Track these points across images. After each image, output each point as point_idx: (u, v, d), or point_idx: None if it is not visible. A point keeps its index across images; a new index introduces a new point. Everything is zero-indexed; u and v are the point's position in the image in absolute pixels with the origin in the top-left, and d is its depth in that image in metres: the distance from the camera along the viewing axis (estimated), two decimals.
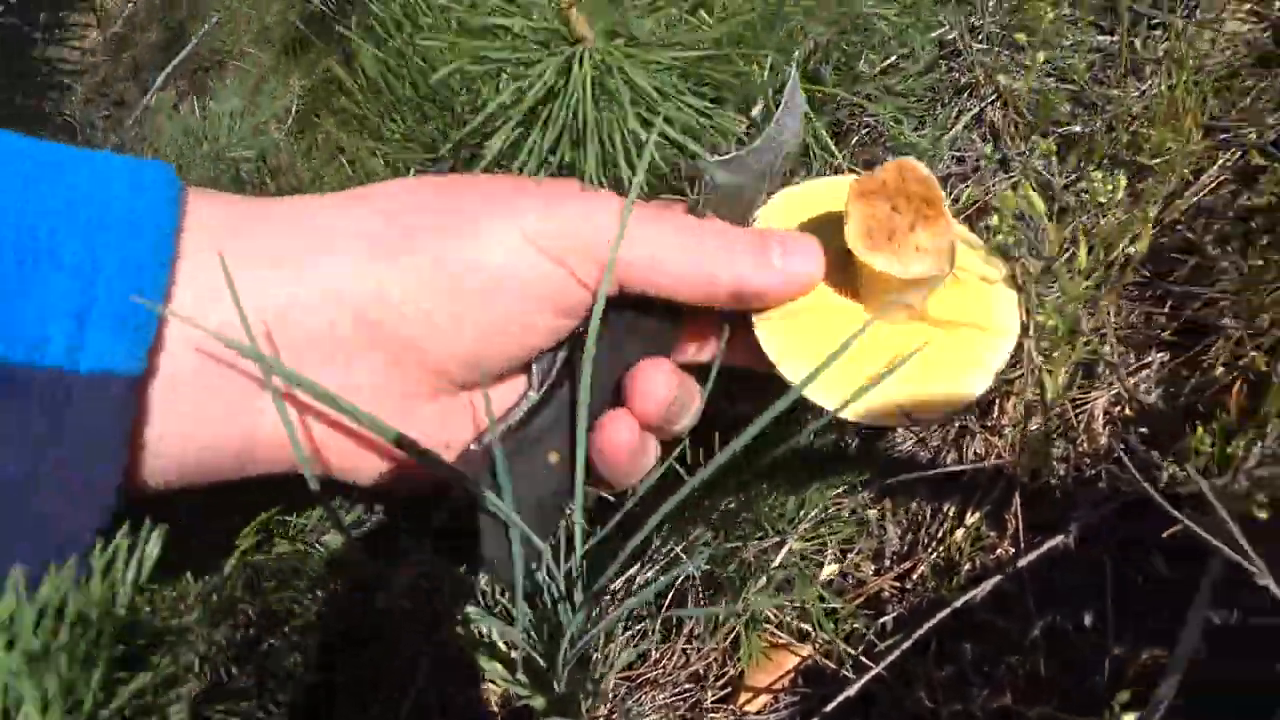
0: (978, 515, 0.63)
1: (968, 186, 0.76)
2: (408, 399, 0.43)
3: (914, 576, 0.64)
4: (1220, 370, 0.63)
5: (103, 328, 0.33)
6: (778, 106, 0.51)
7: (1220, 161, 0.71)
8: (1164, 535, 0.57)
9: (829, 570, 0.68)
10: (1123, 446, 0.64)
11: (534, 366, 0.47)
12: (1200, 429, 0.61)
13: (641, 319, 0.48)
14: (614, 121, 0.46)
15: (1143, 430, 0.64)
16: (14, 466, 0.31)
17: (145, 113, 1.16)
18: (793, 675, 0.65)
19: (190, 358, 0.37)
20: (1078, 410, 0.67)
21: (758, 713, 0.66)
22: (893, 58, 0.79)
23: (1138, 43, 0.79)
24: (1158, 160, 0.71)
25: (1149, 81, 0.76)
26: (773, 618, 0.68)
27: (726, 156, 0.49)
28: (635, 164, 0.45)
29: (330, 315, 0.39)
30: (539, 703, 0.40)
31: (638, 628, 0.72)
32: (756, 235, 0.47)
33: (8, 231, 0.32)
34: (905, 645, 0.60)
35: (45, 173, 0.34)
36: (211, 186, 0.50)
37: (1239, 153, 0.72)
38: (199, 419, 0.37)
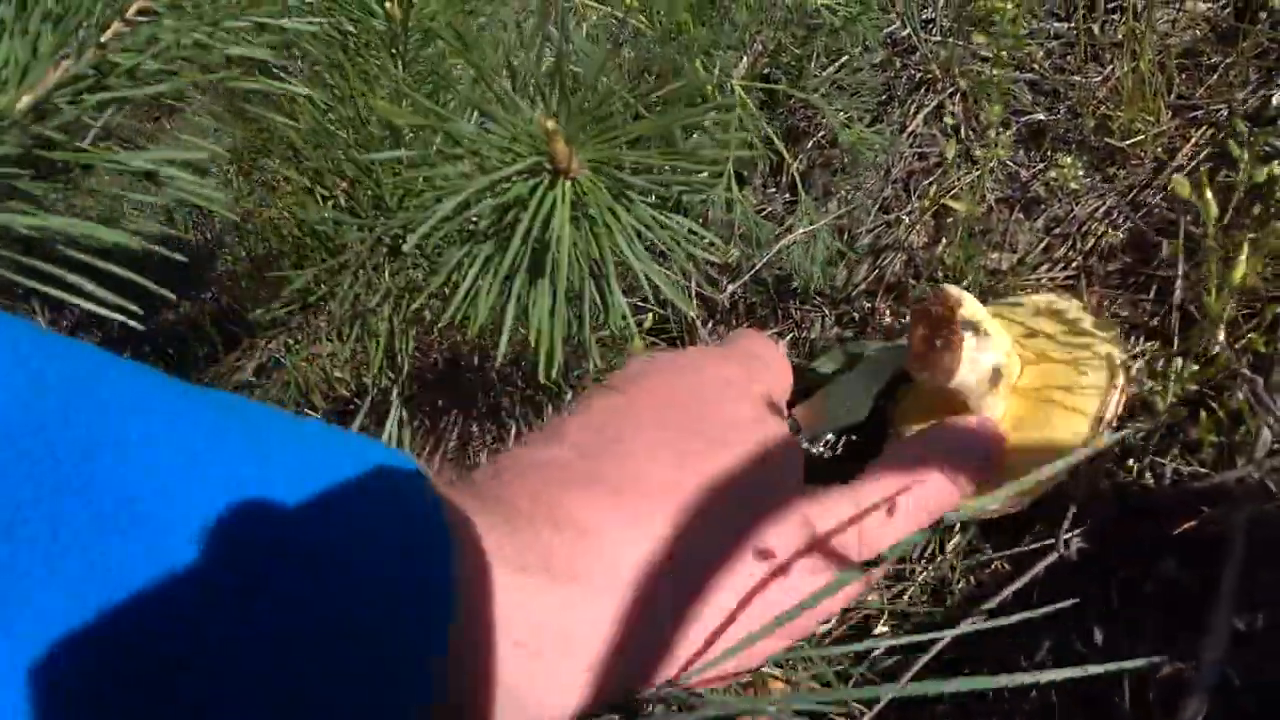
0: (971, 528, 0.58)
1: (932, 183, 0.72)
2: None
3: (905, 598, 0.58)
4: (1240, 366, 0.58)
5: None
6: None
7: (1193, 140, 0.68)
8: (1174, 533, 0.52)
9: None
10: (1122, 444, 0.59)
11: None
12: (1205, 417, 0.56)
13: None
14: (598, 254, 0.41)
15: (1140, 425, 0.59)
16: None
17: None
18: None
19: None
20: None
21: None
22: (844, 56, 0.76)
23: (1096, 28, 0.76)
24: (1129, 142, 0.68)
25: (1110, 65, 0.73)
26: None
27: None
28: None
29: None
30: None
31: None
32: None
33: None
34: (904, 680, 0.54)
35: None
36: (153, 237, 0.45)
37: (1212, 130, 0.68)
38: None
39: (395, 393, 0.63)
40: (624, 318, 0.42)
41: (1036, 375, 0.55)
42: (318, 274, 0.56)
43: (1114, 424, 0.51)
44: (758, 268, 0.70)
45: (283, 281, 0.60)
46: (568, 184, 0.39)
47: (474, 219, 0.40)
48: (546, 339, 0.39)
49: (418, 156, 0.39)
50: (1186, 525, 0.49)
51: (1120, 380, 0.53)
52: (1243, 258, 0.45)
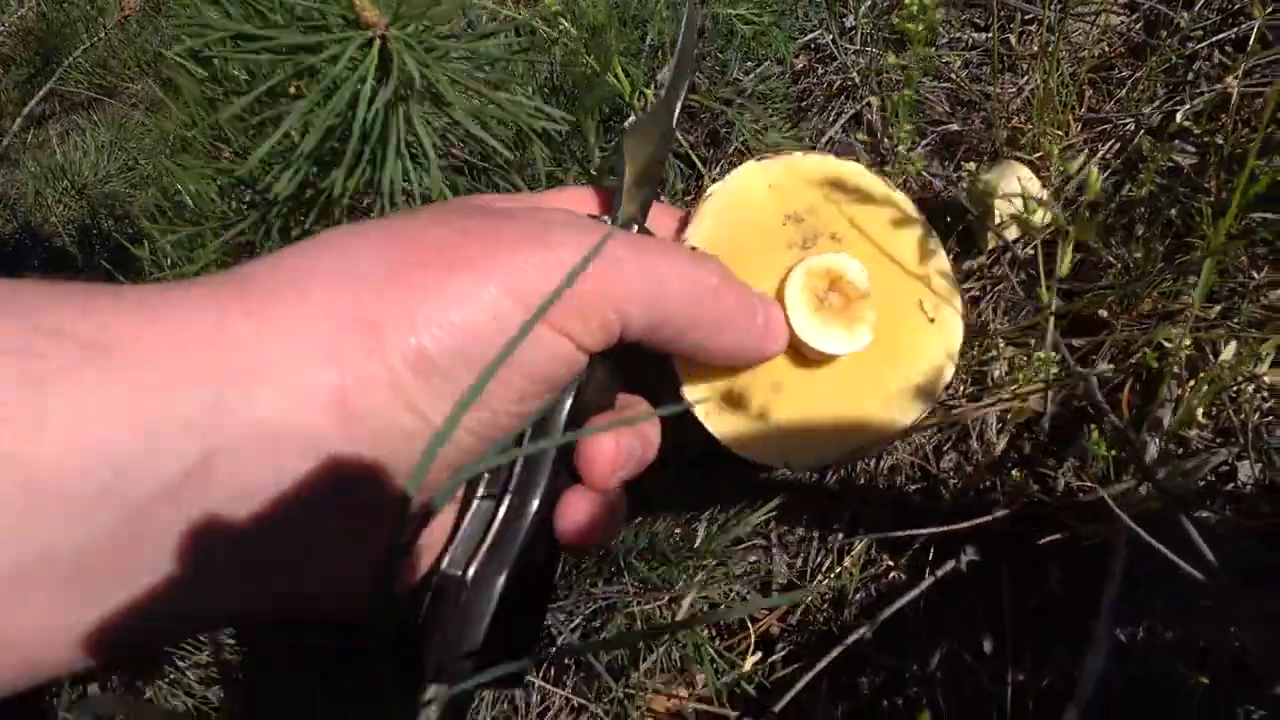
0: (867, 539, 0.58)
1: None
2: None
3: (803, 609, 0.58)
4: (1110, 368, 0.60)
5: None
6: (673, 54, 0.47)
7: (1100, 154, 0.69)
8: (1051, 539, 0.53)
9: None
10: (1015, 455, 0.60)
11: None
12: (1095, 431, 0.57)
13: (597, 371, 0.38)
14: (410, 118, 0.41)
15: (1036, 437, 0.60)
16: None
17: (7, 150, 1.08)
18: None
19: None
20: (971, 420, 0.63)
21: None
22: (765, 63, 0.76)
23: (1013, 39, 0.77)
24: (1037, 155, 0.69)
25: (1025, 76, 0.74)
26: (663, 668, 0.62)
27: (632, 123, 0.45)
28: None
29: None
30: None
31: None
32: (755, 301, 0.41)
33: None
34: (797, 687, 0.55)
35: None
36: (76, 222, 0.44)
37: (1118, 143, 0.69)
38: None
39: None
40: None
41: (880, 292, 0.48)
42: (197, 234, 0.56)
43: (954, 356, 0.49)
44: None
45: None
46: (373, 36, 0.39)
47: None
48: (392, 179, 0.41)
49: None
50: (1063, 536, 0.50)
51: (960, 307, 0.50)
52: (1065, 251, 0.47)
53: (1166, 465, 0.54)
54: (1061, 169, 0.68)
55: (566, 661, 0.64)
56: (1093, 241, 0.63)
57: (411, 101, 0.41)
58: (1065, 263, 0.54)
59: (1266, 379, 0.53)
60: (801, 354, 0.46)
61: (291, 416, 0.27)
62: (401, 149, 0.41)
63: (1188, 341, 0.60)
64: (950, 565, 0.54)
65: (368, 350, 0.28)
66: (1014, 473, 0.54)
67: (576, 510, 0.36)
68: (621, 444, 0.37)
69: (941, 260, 0.51)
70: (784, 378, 0.46)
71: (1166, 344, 0.56)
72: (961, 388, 0.64)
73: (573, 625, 0.62)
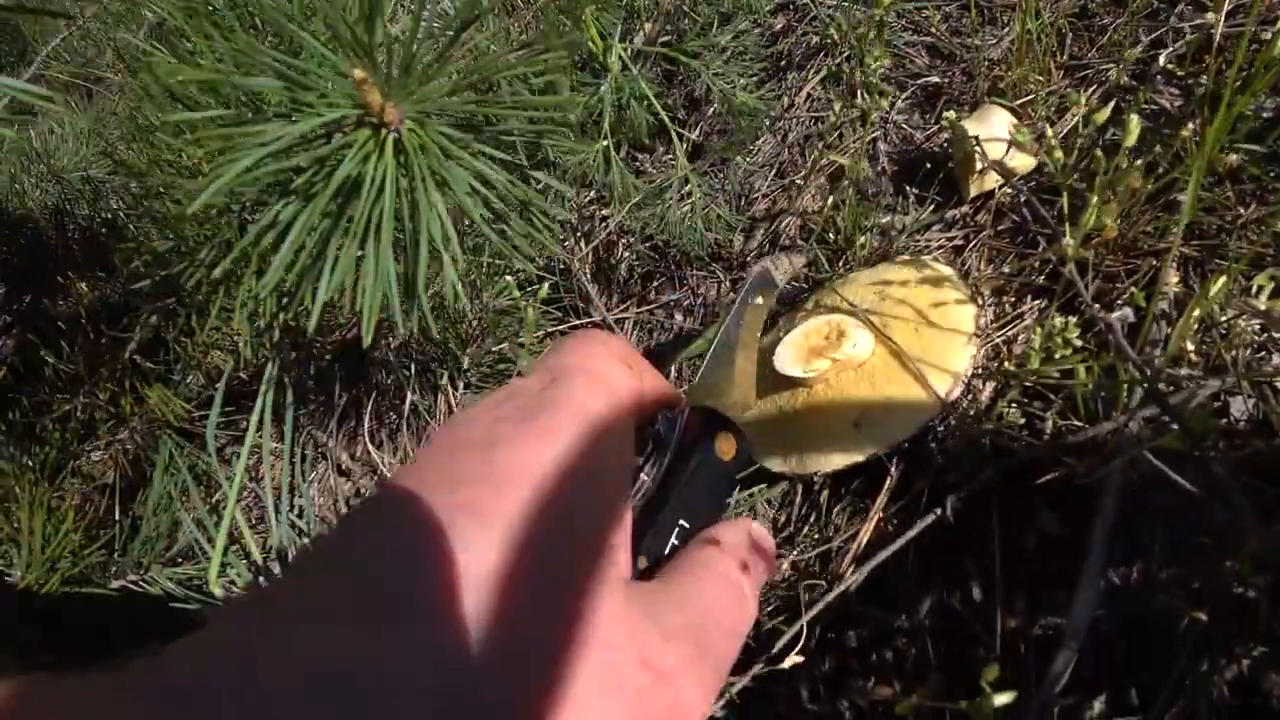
0: (854, 488, 0.57)
1: (827, 146, 0.71)
2: None
3: (789, 563, 0.57)
4: (1098, 310, 0.58)
5: None
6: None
7: (1083, 99, 0.68)
8: (1051, 487, 0.51)
9: None
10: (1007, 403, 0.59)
11: None
12: (1083, 373, 0.56)
13: None
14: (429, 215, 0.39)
15: (1022, 382, 0.59)
16: None
17: None
18: None
19: None
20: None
21: None
22: (741, 24, 0.74)
23: None
24: (1020, 101, 0.68)
25: (1005, 28, 0.73)
26: None
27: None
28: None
29: None
30: None
31: None
32: None
33: None
34: (784, 640, 0.53)
35: None
36: (53, 208, 0.42)
37: (1100, 89, 0.68)
38: None
39: (271, 369, 0.61)
40: (455, 286, 0.40)
41: (897, 334, 0.57)
42: (174, 247, 0.54)
43: (966, 378, 0.51)
44: (617, 218, 0.69)
45: (154, 254, 0.58)
46: (389, 136, 0.37)
47: (293, 173, 0.38)
48: (370, 307, 0.38)
49: (230, 116, 0.37)
50: (1055, 476, 0.49)
51: (973, 339, 0.56)
52: (1094, 202, 0.45)
53: (1168, 401, 0.52)
54: (1044, 114, 0.67)
55: None
56: (1080, 185, 0.62)
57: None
58: (1092, 217, 0.51)
59: (1263, 304, 0.52)
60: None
61: None
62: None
63: (1175, 280, 0.59)
64: (937, 513, 0.52)
65: None
66: (1006, 411, 0.53)
67: None
68: None
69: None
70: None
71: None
72: None
73: None
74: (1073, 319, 0.52)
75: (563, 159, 0.54)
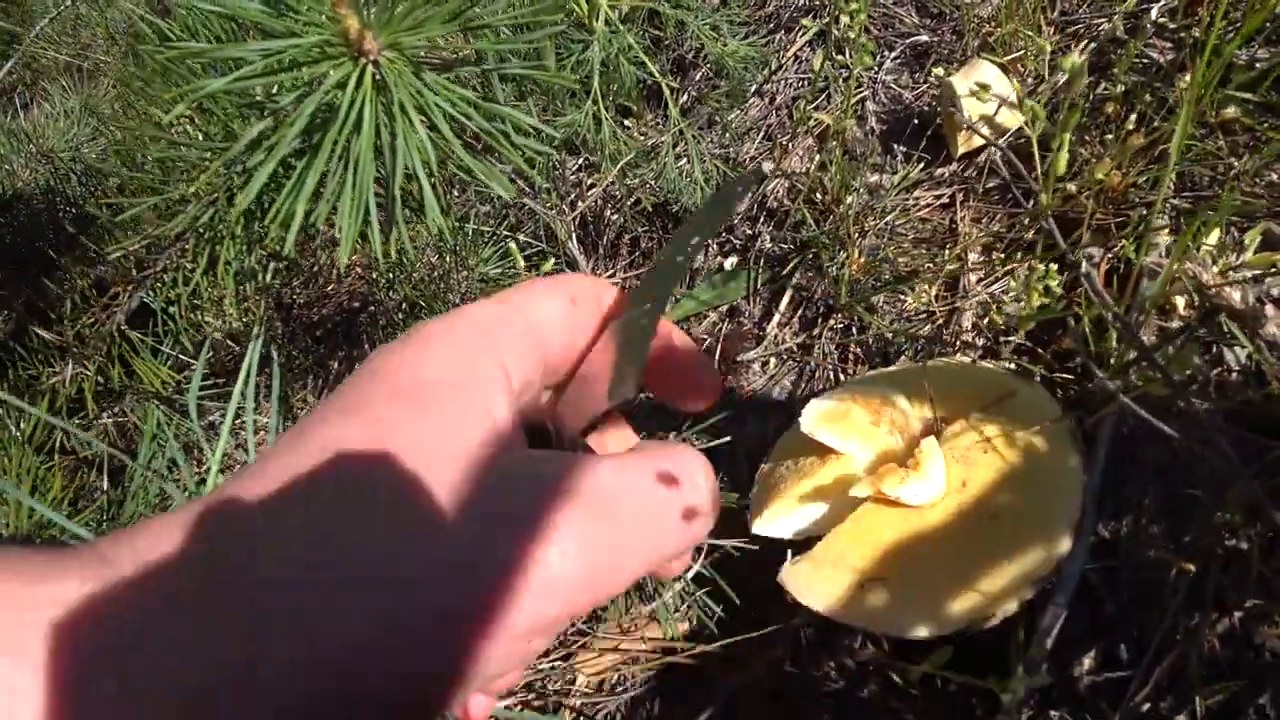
0: None
1: (814, 106, 0.70)
2: None
3: None
4: (1072, 254, 0.57)
5: None
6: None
7: (1075, 53, 0.67)
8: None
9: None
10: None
11: None
12: (1074, 325, 0.55)
13: None
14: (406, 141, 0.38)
15: (1010, 339, 0.58)
16: None
17: None
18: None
19: None
20: (948, 321, 0.61)
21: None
22: None
23: None
24: (1009, 57, 0.67)
25: None
26: None
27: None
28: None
29: None
30: None
31: None
32: None
33: None
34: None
35: None
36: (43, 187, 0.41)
37: (1091, 43, 0.67)
38: None
39: (256, 330, 0.60)
40: (443, 212, 0.40)
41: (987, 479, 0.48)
42: (162, 203, 0.53)
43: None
44: (609, 179, 0.68)
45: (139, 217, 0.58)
46: (367, 65, 0.37)
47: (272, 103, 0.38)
48: (349, 234, 0.38)
49: (209, 46, 0.37)
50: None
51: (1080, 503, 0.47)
52: (1064, 139, 0.44)
53: (1157, 352, 0.51)
54: (1035, 68, 0.66)
55: None
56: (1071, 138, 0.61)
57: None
58: (1061, 161, 0.50)
59: (1250, 256, 0.51)
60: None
61: None
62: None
63: (1166, 232, 0.58)
64: None
65: None
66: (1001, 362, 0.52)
67: None
68: None
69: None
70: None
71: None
72: (935, 293, 0.62)
73: None
74: (1054, 266, 0.51)
75: (553, 120, 0.54)
